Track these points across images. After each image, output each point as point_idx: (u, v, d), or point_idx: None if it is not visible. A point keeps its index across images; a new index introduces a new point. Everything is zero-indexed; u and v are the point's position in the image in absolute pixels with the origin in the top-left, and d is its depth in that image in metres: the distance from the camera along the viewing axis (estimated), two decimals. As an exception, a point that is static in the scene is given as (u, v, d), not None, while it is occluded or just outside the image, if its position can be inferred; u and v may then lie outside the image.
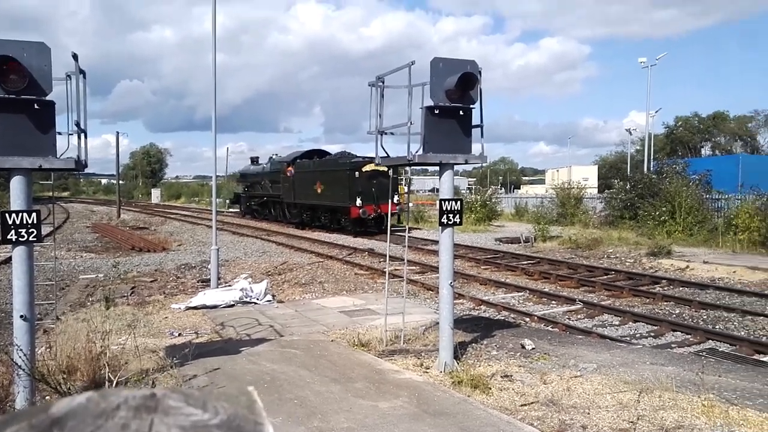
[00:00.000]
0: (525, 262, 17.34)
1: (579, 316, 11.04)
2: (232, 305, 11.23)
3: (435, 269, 16.20)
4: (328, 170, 26.87)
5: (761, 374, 6.30)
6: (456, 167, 7.33)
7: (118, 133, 44.38)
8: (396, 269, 16.23)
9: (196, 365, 6.87)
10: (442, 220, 6.66)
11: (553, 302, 12.19)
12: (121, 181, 65.40)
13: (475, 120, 6.88)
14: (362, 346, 7.93)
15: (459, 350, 7.59)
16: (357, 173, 24.78)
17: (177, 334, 9.05)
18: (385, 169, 21.53)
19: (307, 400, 5.62)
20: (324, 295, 12.74)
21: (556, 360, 6.98)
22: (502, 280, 14.71)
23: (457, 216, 6.70)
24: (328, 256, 19.02)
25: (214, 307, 11.15)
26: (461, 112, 6.67)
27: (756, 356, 8.34)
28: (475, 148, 6.99)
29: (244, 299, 11.59)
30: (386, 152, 7.41)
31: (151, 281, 14.72)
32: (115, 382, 5.07)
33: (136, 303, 11.81)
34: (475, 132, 6.89)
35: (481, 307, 11.87)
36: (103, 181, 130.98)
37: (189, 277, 15.55)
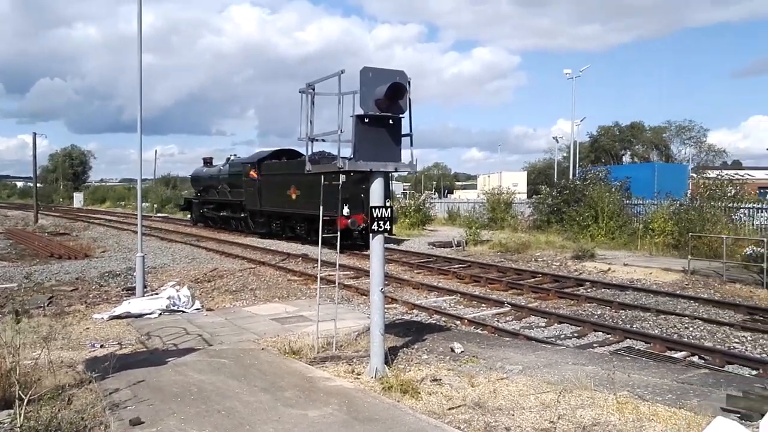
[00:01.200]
0: (457, 266, 17.71)
1: (507, 319, 11.37)
2: (159, 314, 10.87)
3: (366, 273, 16.30)
4: (307, 173, 23.83)
5: (671, 371, 6.71)
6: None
7: (35, 134, 42.11)
8: (330, 274, 16.20)
9: (119, 378, 6.60)
10: (373, 227, 6.71)
11: (483, 305, 12.51)
12: (39, 185, 61.93)
13: (405, 129, 6.99)
14: (293, 354, 7.86)
15: (390, 355, 7.66)
16: (344, 177, 21.95)
17: (99, 346, 8.66)
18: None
19: (235, 410, 5.52)
20: (255, 302, 12.53)
21: (484, 362, 7.17)
22: (435, 283, 14.95)
23: (388, 223, 6.77)
24: (261, 262, 18.72)
25: (140, 316, 10.75)
26: (391, 121, 6.76)
27: (668, 353, 8.87)
28: (406, 155, 7.10)
29: (172, 308, 11.24)
30: (317, 160, 7.40)
31: (72, 290, 14.01)
32: (26, 400, 4.79)
33: (54, 314, 11.21)
34: (407, 141, 7.00)
35: (414, 311, 12.02)
36: (19, 184, 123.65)
37: (113, 285, 14.92)
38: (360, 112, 6.64)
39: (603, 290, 13.93)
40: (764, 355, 8.49)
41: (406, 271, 17.39)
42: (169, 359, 7.68)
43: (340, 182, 8.45)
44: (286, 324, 10.13)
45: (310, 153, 7.53)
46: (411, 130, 7.08)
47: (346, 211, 20.53)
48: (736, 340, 9.20)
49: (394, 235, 23.42)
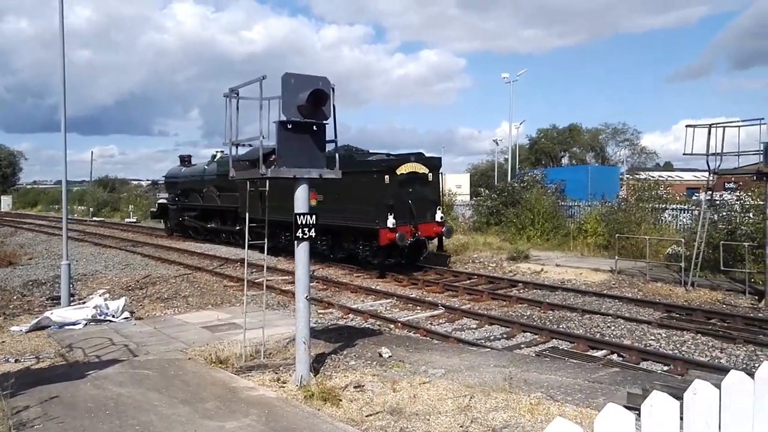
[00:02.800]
0: (396, 269, 17.83)
1: (441, 321, 11.55)
2: (84, 324, 10.47)
3: (311, 278, 16.21)
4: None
5: (585, 370, 6.99)
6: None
7: (-43, 133, 39.65)
8: (267, 279, 16.03)
9: (31, 394, 6.33)
10: (297, 234, 6.69)
11: (418, 308, 12.66)
12: (-38, 187, 58.49)
13: (330, 135, 7.03)
14: (220, 364, 7.73)
15: (318, 362, 7.66)
16: (388, 177, 16.24)
17: (13, 360, 8.27)
18: (426, 169, 16.97)
19: (151, 425, 5.39)
20: (188, 309, 12.26)
21: (409, 367, 7.26)
22: (373, 287, 15.03)
23: (312, 230, 6.78)
24: (197, 268, 18.33)
25: (63, 327, 10.33)
26: (315, 128, 6.76)
27: (590, 352, 9.23)
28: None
29: (99, 317, 10.85)
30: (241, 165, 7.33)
31: (-10, 301, 13.34)
32: None
33: (-33, 327, 10.64)
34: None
35: (350, 315, 12.04)
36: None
37: (37, 294, 14.28)
38: (283, 118, 6.63)
39: (534, 291, 14.34)
40: (676, 351, 8.95)
41: (346, 274, 17.39)
42: (90, 372, 7.42)
43: (266, 189, 8.30)
44: (217, 332, 9.96)
45: (234, 156, 7.45)
46: (336, 136, 7.14)
47: (391, 222, 15.95)
48: (652, 338, 9.66)
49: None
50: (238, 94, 7.01)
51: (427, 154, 17.90)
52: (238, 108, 7.08)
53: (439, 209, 17.48)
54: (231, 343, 8.96)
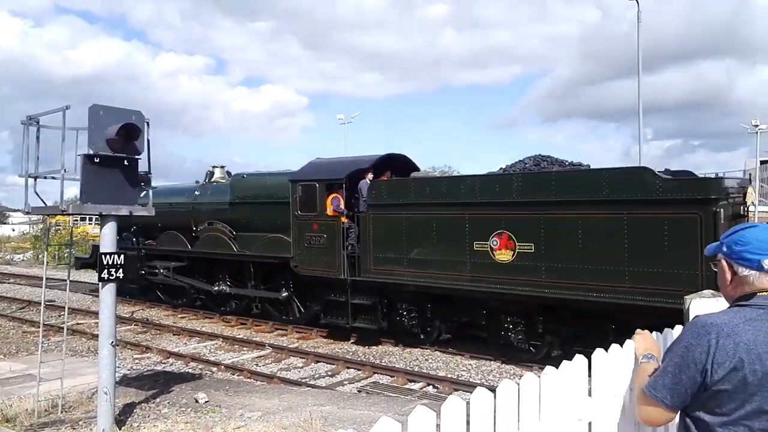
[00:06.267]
0: (224, 307, 17.21)
1: (267, 361, 11.35)
2: None
3: (126, 320, 15.01)
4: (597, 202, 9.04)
5: (398, 403, 7.33)
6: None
7: None
8: (79, 323, 14.55)
9: None
10: (102, 275, 6.24)
11: (245, 348, 12.32)
12: None
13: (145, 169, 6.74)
14: (6, 423, 6.84)
15: (126, 413, 7.12)
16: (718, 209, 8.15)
17: None
18: (754, 199, 10.26)
19: None
20: (-27, 361, 10.68)
21: (225, 411, 7.03)
22: (198, 328, 14.35)
23: (120, 270, 6.37)
24: (-9, 312, 16.09)
25: None
26: (126, 162, 6.45)
27: (408, 384, 9.67)
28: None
29: None
30: (41, 200, 6.70)
31: None
32: None
33: None
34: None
35: (169, 359, 11.35)
36: None
37: None
38: (90, 151, 6.23)
39: (363, 327, 14.68)
40: (484, 380, 9.72)
41: (170, 315, 16.40)
42: None
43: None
44: (7, 386, 8.81)
45: (31, 193, 6.77)
46: (150, 171, 6.87)
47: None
48: (464, 369, 10.40)
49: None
50: (38, 123, 6.47)
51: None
52: (38, 137, 6.53)
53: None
54: (23, 397, 7.97)
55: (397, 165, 12.87)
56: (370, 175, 12.21)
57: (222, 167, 17.68)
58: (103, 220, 6.32)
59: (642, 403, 2.06)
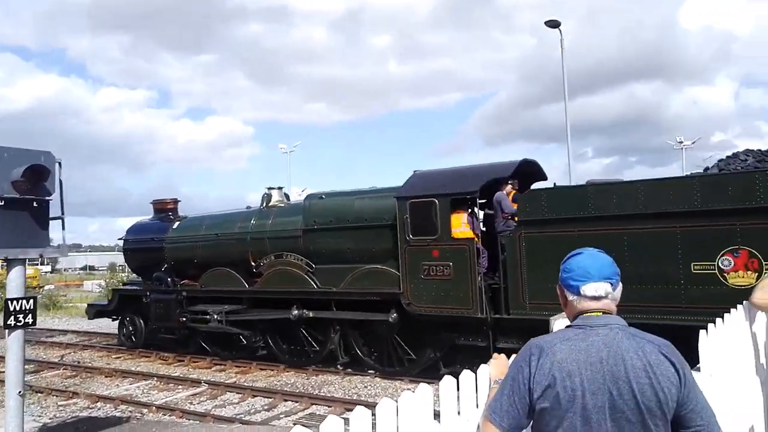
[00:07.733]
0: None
1: (202, 399, 11.05)
2: None
3: (53, 365, 14.35)
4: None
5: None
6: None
7: None
8: None
9: None
10: (9, 322, 6.00)
11: (180, 387, 11.98)
12: None
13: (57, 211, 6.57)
14: None
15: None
16: None
17: None
18: None
19: None
20: None
21: (149, 456, 6.82)
22: (132, 368, 13.86)
23: (29, 316, 6.14)
24: None
25: None
26: (35, 204, 6.27)
27: (345, 414, 9.61)
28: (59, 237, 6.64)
29: None
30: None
31: None
32: None
33: None
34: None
35: (98, 404, 10.89)
36: None
37: None
38: None
39: (304, 357, 14.52)
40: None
41: (103, 356, 15.79)
42: None
43: None
44: None
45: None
46: (63, 213, 6.69)
47: None
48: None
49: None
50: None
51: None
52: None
53: None
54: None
55: (523, 175, 10.94)
56: (508, 186, 10.47)
57: (280, 188, 14.56)
58: (9, 264, 6.10)
59: (483, 427, 2.16)
